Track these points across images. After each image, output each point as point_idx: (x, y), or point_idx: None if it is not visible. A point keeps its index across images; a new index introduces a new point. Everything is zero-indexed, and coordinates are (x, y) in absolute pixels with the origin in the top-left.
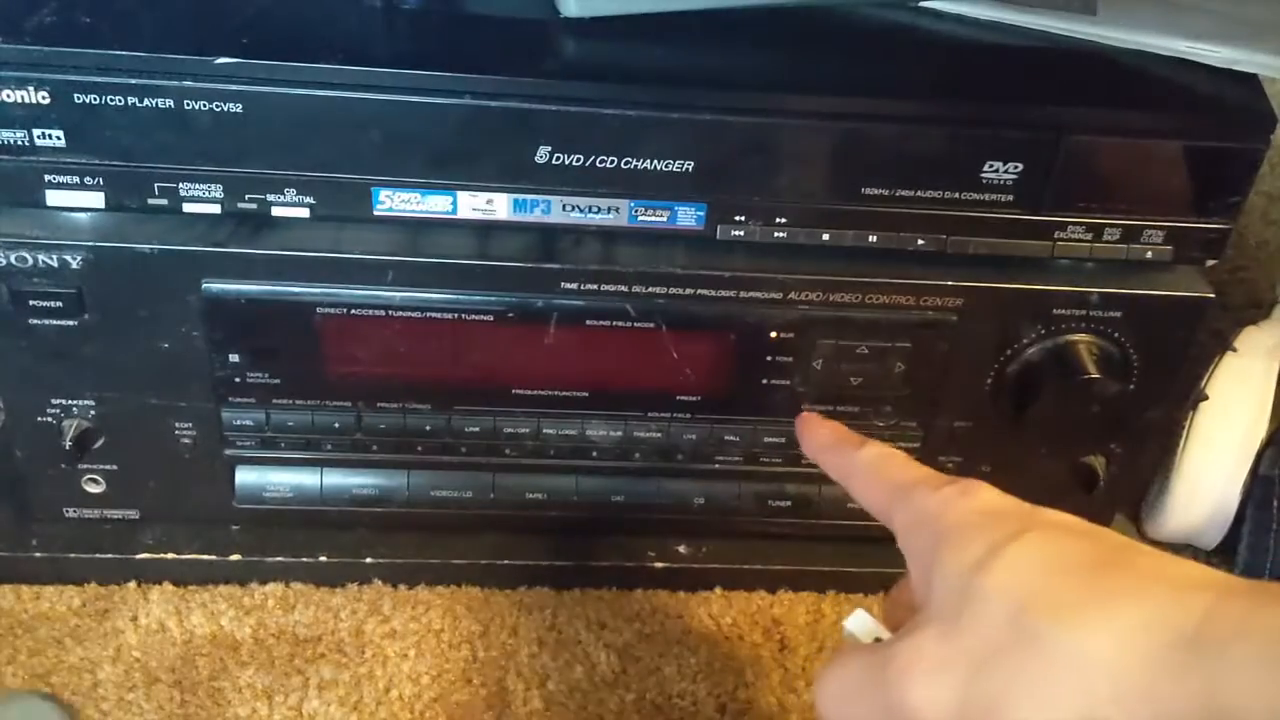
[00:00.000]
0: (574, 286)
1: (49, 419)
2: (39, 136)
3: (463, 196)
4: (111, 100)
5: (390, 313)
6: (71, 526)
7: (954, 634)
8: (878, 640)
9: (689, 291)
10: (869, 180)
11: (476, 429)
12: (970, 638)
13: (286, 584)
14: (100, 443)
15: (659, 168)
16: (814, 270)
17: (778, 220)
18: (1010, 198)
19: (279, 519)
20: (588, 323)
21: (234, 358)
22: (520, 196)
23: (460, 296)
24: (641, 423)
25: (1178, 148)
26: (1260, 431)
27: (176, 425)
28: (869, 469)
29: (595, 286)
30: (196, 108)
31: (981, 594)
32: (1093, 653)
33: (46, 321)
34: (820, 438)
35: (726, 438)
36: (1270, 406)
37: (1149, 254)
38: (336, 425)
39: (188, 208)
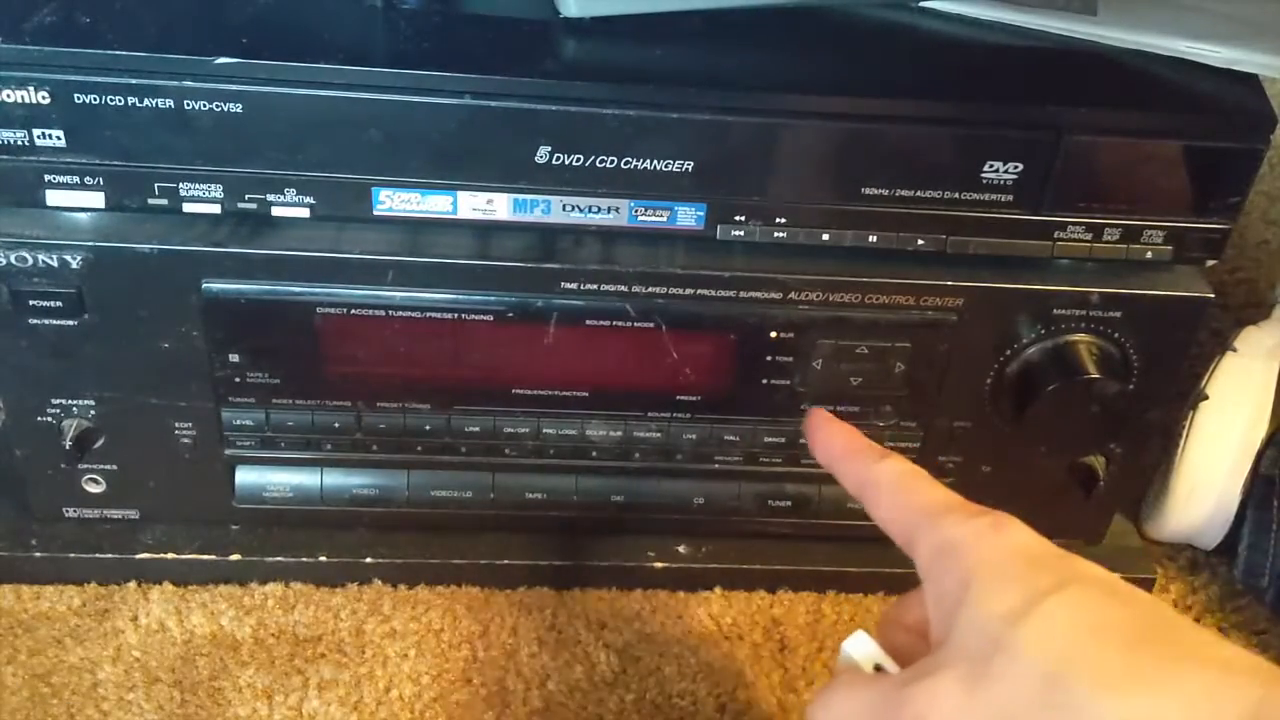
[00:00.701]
0: (574, 286)
1: (49, 419)
2: (39, 136)
3: (463, 196)
4: (111, 100)
5: (390, 313)
6: (71, 526)
7: (978, 684)
8: (878, 667)
9: (689, 291)
10: (869, 180)
11: (476, 429)
12: (996, 691)
13: (286, 584)
14: (100, 443)
15: (659, 168)
16: (814, 270)
17: (778, 220)
18: (1010, 198)
19: (279, 519)
20: (588, 323)
21: (234, 358)
22: (520, 196)
23: (460, 296)
24: (641, 423)
25: (1178, 148)
26: (1260, 431)
27: (176, 425)
28: (891, 487)
29: (595, 286)
30: (196, 108)
31: (1014, 645)
32: None
33: (46, 321)
34: (834, 444)
35: (726, 438)
36: (1270, 406)
37: (1149, 254)
38: (336, 425)
39: (188, 208)
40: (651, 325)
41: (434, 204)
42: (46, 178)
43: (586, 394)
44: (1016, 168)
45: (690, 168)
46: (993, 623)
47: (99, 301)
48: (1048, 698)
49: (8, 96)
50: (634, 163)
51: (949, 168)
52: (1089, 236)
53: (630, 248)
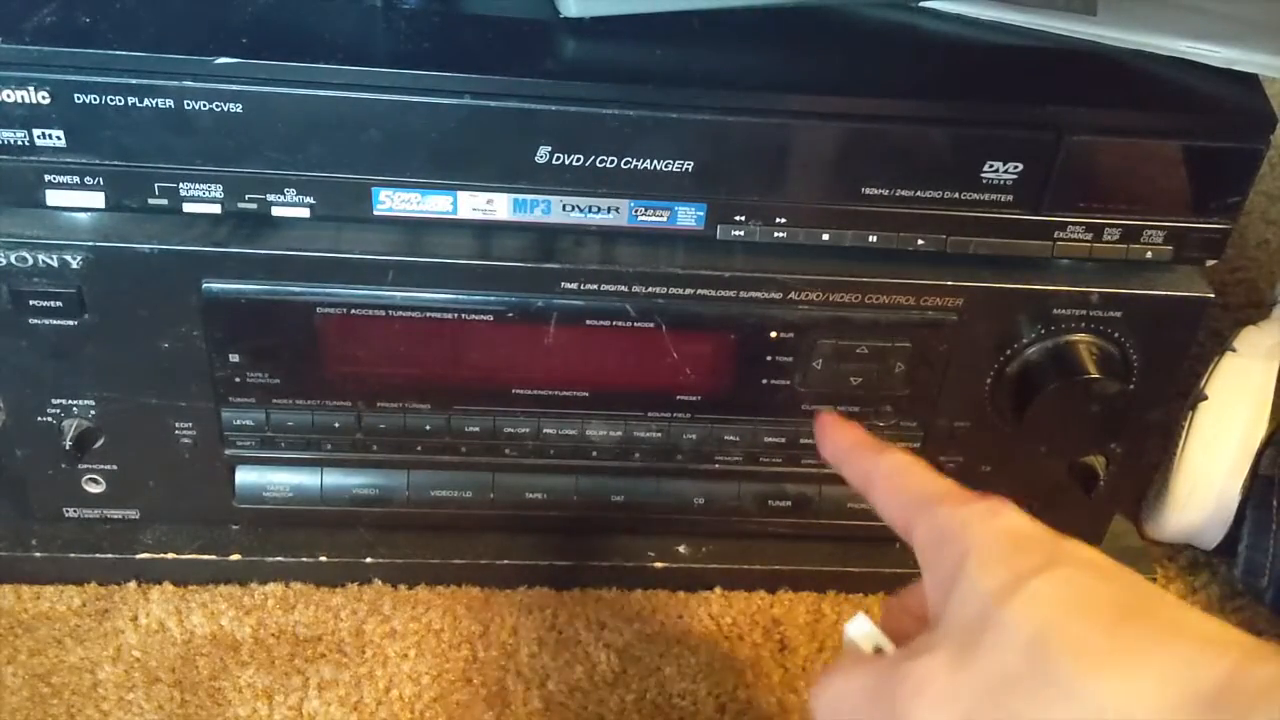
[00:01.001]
0: (574, 286)
1: (49, 419)
2: (39, 136)
3: (463, 196)
4: (111, 100)
5: (390, 313)
6: (71, 526)
7: (968, 660)
8: (878, 649)
9: (689, 291)
10: (869, 180)
11: (476, 429)
12: (984, 665)
13: (286, 584)
14: (100, 443)
15: (659, 168)
16: (814, 270)
17: (778, 220)
18: (1010, 198)
19: (279, 519)
20: (588, 323)
21: (234, 358)
22: (520, 196)
23: (460, 296)
24: (641, 423)
25: (1178, 148)
26: (1260, 431)
27: (176, 425)
28: (891, 477)
29: (595, 286)
30: (196, 108)
31: (1001, 622)
32: (1109, 701)
33: (46, 321)
34: (840, 440)
35: (726, 438)
36: (1270, 406)
37: (1149, 254)
38: (336, 425)
39: (188, 208)
40: (651, 325)
41: (434, 204)
42: (46, 178)
43: (586, 394)
44: (1016, 168)
45: (690, 168)
46: (981, 600)
47: (99, 301)
48: (1032, 670)
49: (8, 96)
50: (634, 163)
51: (949, 168)
52: (1089, 236)
53: (630, 248)
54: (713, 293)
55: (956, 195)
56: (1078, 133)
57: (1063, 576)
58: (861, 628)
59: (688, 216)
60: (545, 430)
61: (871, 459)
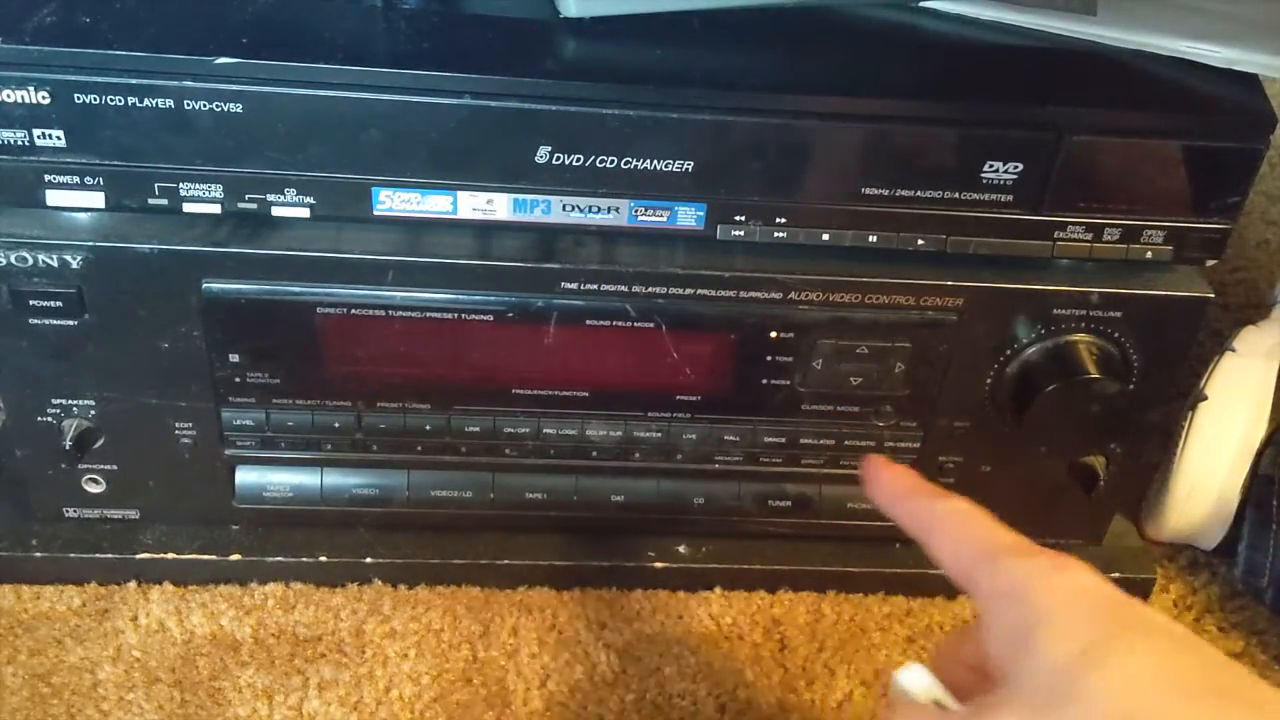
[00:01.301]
0: (574, 286)
1: (49, 419)
2: (39, 136)
3: (463, 196)
4: (111, 100)
5: (390, 313)
6: (71, 526)
7: None
8: (936, 702)
9: (689, 291)
10: (869, 180)
11: (476, 429)
12: None
13: (286, 584)
14: (100, 443)
15: (659, 168)
16: (814, 270)
17: (778, 220)
18: (1010, 198)
19: (279, 519)
20: (588, 323)
21: (234, 358)
22: (520, 196)
23: (460, 296)
24: (641, 423)
25: (1178, 148)
26: (1260, 431)
27: (176, 425)
28: (951, 525)
29: (595, 286)
30: (196, 108)
31: (1085, 695)
32: None
33: (46, 321)
34: (893, 486)
35: (726, 438)
36: (1270, 406)
37: (1149, 254)
38: (336, 425)
39: (188, 208)
40: (651, 325)
41: (434, 204)
42: (46, 178)
43: (586, 394)
44: (1016, 168)
45: (690, 168)
46: (1060, 666)
47: (99, 301)
48: None
49: (8, 96)
50: (634, 163)
51: (949, 168)
52: (1089, 236)
53: (630, 248)
54: (713, 293)
55: (956, 195)
56: (1078, 133)
57: (1145, 649)
58: (919, 680)
59: (688, 216)
60: (545, 430)
61: (929, 505)
